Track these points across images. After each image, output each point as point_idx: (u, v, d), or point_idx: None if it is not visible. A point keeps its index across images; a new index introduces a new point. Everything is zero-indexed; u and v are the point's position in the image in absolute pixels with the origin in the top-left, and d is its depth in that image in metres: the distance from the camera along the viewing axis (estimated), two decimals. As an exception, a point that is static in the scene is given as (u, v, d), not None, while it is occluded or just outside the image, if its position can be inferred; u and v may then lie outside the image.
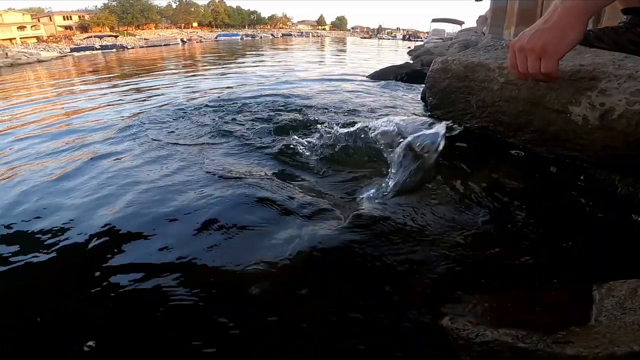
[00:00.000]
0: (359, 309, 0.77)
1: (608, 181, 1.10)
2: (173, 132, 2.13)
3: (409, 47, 16.83)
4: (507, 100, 1.33)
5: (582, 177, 1.14)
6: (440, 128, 1.10)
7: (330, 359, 0.68)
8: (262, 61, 8.80)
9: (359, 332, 0.73)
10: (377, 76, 4.40)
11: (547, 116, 1.20)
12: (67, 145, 2.07)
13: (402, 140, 1.16)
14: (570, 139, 1.15)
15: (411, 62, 6.75)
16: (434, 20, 22.36)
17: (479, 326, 0.73)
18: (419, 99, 2.80)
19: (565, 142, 1.17)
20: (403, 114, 1.97)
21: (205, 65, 8.45)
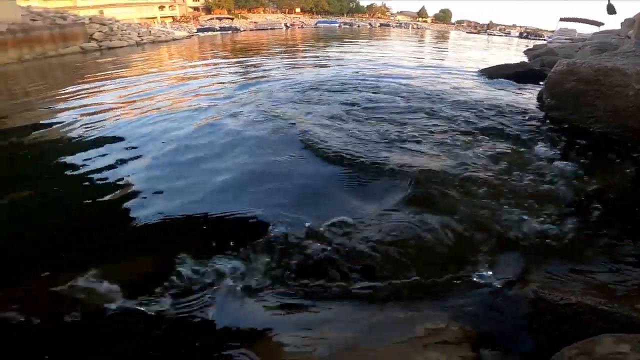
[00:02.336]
0: (446, 279, 0.92)
1: None
2: (281, 105, 2.53)
3: (527, 46, 14.96)
4: (642, 108, 1.28)
5: None
6: None
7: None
8: (360, 49, 8.94)
9: (450, 299, 0.88)
10: (488, 72, 4.24)
11: (687, 127, 1.14)
12: (196, 106, 2.73)
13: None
14: None
15: (528, 61, 6.14)
16: (563, 20, 19.23)
17: (564, 292, 0.83)
18: (534, 98, 2.66)
19: None
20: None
21: (306, 50, 9.00)
